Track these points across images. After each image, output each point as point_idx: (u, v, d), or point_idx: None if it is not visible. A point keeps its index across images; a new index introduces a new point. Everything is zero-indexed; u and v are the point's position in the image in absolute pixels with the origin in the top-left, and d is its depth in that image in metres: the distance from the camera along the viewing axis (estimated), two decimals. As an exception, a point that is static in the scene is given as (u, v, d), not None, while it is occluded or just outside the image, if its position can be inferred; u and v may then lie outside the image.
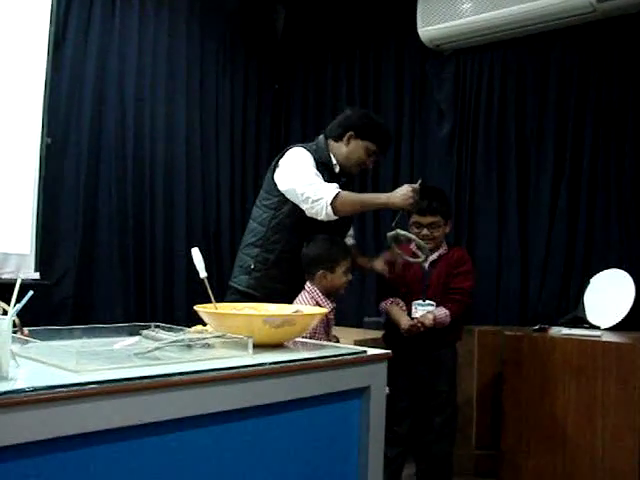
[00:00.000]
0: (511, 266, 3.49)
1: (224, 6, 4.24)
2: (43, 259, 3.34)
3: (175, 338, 1.63)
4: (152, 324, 1.90)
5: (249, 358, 1.56)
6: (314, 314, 1.82)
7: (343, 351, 1.77)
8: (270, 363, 1.54)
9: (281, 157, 2.61)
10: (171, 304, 3.92)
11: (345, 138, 2.60)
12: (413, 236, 2.55)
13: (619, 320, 2.95)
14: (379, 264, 2.69)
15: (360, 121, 2.62)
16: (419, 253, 2.57)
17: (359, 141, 2.58)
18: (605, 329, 2.95)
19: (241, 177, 4.42)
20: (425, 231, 2.74)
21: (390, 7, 4.03)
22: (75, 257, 3.47)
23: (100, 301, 3.57)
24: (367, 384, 1.80)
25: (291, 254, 2.53)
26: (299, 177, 2.48)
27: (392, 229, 2.51)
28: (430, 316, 2.64)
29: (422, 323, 2.63)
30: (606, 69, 3.25)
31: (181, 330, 1.98)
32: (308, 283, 2.49)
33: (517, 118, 3.52)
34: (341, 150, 2.61)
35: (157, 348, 1.50)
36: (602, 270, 3.13)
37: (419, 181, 2.48)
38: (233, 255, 4.32)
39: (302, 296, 2.47)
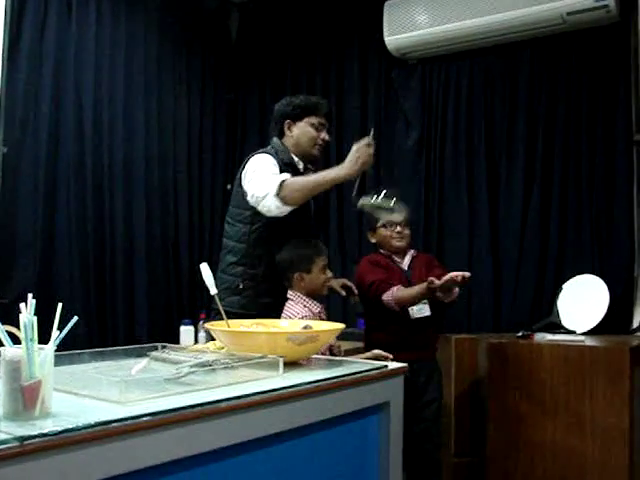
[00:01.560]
0: (483, 274, 3.50)
1: (181, 11, 4.12)
2: (0, 277, 3.14)
3: (198, 361, 1.53)
4: (159, 344, 1.80)
5: (280, 379, 1.49)
6: (334, 329, 1.77)
7: (367, 367, 1.73)
8: (305, 383, 1.48)
9: (242, 168, 2.55)
10: (132, 320, 3.76)
11: (286, 129, 2.60)
12: (381, 197, 2.46)
13: (595, 325, 3.02)
14: (337, 285, 2.70)
15: (288, 106, 2.62)
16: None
17: (299, 123, 2.58)
18: (581, 334, 3.02)
19: (198, 188, 4.30)
20: (399, 229, 2.83)
21: (353, 14, 4.01)
22: (34, 273, 3.27)
23: (61, 319, 3.36)
24: (387, 399, 1.77)
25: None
26: (254, 181, 2.42)
27: (356, 200, 2.37)
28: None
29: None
30: (575, 78, 3.32)
31: (184, 349, 1.90)
32: (290, 292, 2.45)
33: (486, 126, 3.55)
34: (290, 142, 2.59)
35: (191, 372, 1.40)
36: (574, 276, 3.19)
37: (371, 131, 2.38)
38: (192, 267, 4.25)
39: (289, 307, 2.42)
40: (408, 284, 2.79)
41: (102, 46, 3.63)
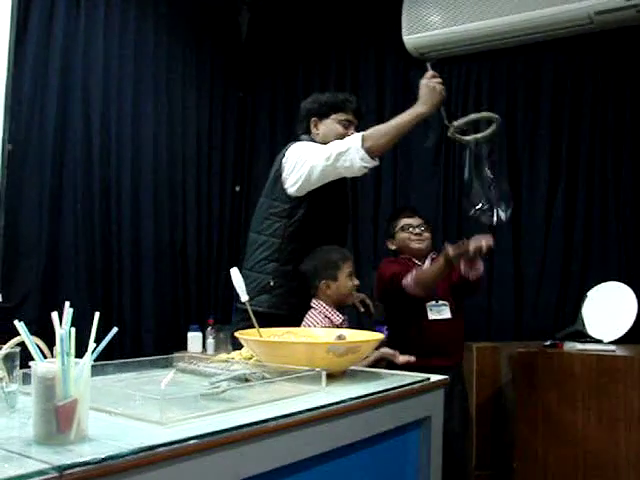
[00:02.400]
0: (504, 280, 3.39)
1: (190, 8, 4.01)
2: (3, 279, 3.01)
3: (234, 374, 1.41)
4: (185, 355, 1.68)
5: (324, 393, 1.38)
6: (374, 339, 1.65)
7: (409, 380, 1.61)
8: (351, 399, 1.37)
9: (282, 158, 2.42)
10: (139, 326, 3.64)
11: (312, 127, 2.51)
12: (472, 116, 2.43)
13: (622, 334, 2.92)
14: (356, 299, 2.57)
15: (314, 104, 2.54)
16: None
17: (325, 120, 2.49)
18: (609, 343, 2.91)
19: (207, 189, 4.19)
20: (417, 230, 2.75)
21: (370, 11, 3.89)
22: (38, 276, 3.15)
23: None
24: (429, 413, 1.66)
25: None
26: (312, 154, 2.31)
27: (452, 126, 2.37)
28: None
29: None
30: (602, 80, 3.22)
31: (210, 359, 1.78)
32: (314, 300, 2.34)
33: (508, 127, 3.43)
34: (318, 140, 2.48)
35: (231, 388, 1.28)
36: (599, 283, 3.08)
37: (428, 65, 2.37)
38: (199, 271, 4.13)
39: (310, 315, 2.32)
40: None
41: (110, 43, 3.53)
